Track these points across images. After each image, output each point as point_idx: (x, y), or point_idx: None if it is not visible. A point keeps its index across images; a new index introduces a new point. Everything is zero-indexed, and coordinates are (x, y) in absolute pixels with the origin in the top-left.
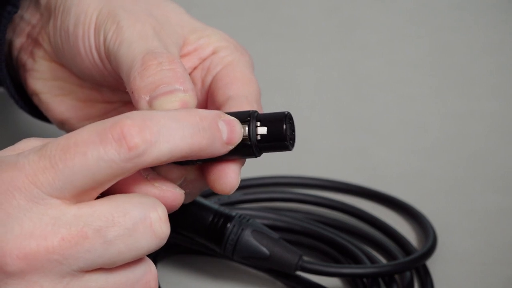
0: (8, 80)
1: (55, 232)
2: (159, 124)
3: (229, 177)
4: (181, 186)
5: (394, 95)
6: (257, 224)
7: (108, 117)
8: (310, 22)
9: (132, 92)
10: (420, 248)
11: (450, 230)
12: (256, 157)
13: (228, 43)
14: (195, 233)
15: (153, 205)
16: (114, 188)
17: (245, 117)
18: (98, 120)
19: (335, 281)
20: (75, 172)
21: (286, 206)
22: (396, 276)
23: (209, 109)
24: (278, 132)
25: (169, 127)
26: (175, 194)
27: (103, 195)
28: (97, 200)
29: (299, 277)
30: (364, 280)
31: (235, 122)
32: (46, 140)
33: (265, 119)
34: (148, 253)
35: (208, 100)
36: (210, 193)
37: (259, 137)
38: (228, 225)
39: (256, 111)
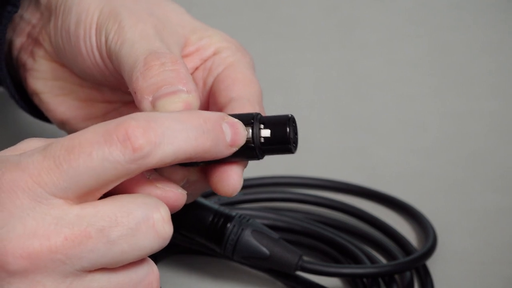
0: (8, 79)
1: (58, 232)
2: (163, 126)
3: (231, 179)
4: (183, 187)
5: (393, 95)
6: (257, 224)
7: (109, 117)
8: (309, 21)
9: (135, 93)
10: (420, 248)
11: (449, 230)
12: (259, 159)
13: (229, 43)
14: (195, 233)
15: (156, 205)
16: (117, 189)
17: (249, 120)
18: (99, 120)
19: (335, 281)
20: (80, 172)
21: (286, 206)
22: (396, 276)
23: (211, 110)
24: (282, 135)
25: (174, 128)
26: (177, 195)
27: (105, 195)
28: (100, 200)
29: (299, 277)
30: (364, 280)
31: (239, 124)
32: (47, 141)
33: (269, 121)
34: (151, 253)
35: (209, 101)
36: (210, 193)
37: (262, 140)
38: (228, 225)
39: (259, 114)
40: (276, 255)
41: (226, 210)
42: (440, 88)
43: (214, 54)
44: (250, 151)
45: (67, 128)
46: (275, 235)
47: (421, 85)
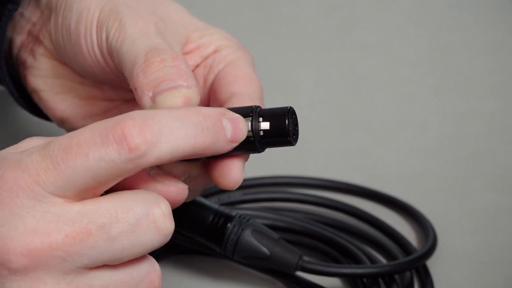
0: (8, 77)
1: (59, 229)
2: (160, 123)
3: (233, 173)
4: (184, 182)
5: (393, 95)
6: (257, 224)
7: (109, 114)
8: (309, 21)
9: (135, 89)
10: (420, 248)
11: (449, 230)
12: (259, 152)
13: (230, 41)
14: (195, 233)
15: (156, 201)
16: (117, 184)
17: (248, 113)
18: (99, 118)
19: (335, 281)
20: (77, 172)
21: (286, 206)
22: (396, 276)
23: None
24: (281, 127)
25: (171, 126)
26: (178, 189)
27: (107, 191)
28: (100, 197)
29: (299, 277)
30: (364, 280)
31: (240, 119)
32: (48, 139)
33: (268, 114)
34: (152, 250)
35: (210, 98)
36: (210, 193)
37: (261, 133)
38: (229, 225)
39: (258, 106)
40: (276, 255)
41: (226, 210)
42: (440, 88)
43: (215, 51)
44: (250, 144)
45: (67, 126)
46: (275, 235)
47: (421, 85)
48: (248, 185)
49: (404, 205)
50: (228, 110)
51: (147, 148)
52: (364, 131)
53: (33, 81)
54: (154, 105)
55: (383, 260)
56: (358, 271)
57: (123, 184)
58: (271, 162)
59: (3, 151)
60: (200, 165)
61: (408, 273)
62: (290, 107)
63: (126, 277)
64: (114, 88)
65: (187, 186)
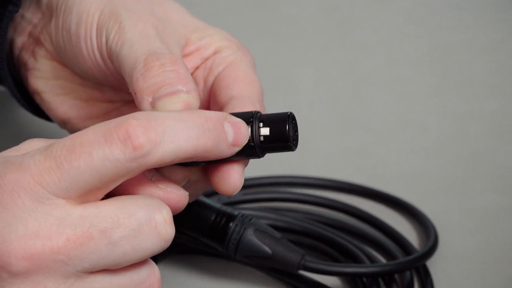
0: (10, 79)
1: (60, 233)
2: (164, 125)
3: (232, 178)
4: (184, 187)
5: (393, 95)
6: (260, 224)
7: (110, 116)
8: (309, 21)
9: (135, 93)
10: (421, 248)
11: (450, 229)
12: (259, 157)
13: (230, 42)
14: (197, 232)
15: (158, 206)
16: (119, 190)
17: (248, 118)
18: (100, 119)
19: (335, 281)
20: (81, 172)
21: (286, 206)
22: (396, 276)
23: (212, 109)
24: (281, 133)
25: (174, 127)
26: (179, 196)
27: (107, 196)
28: (102, 201)
29: (301, 276)
30: (364, 280)
31: (241, 123)
32: (50, 141)
33: (268, 119)
34: (152, 255)
35: (210, 100)
36: (211, 193)
37: (262, 138)
38: (231, 224)
39: (259, 112)
40: (279, 254)
41: (228, 209)
42: (440, 88)
43: (215, 53)
44: (250, 149)
45: (68, 127)
46: (277, 234)
47: (421, 85)
48: (248, 185)
49: (405, 205)
50: (230, 115)
51: (151, 147)
52: (364, 131)
53: (35, 83)
54: (154, 110)
55: (383, 260)
56: (360, 270)
57: (125, 190)
58: (271, 162)
59: (4, 152)
60: (200, 170)
61: (408, 273)
62: (290, 113)
63: (126, 280)
64: (114, 90)
65: (188, 193)
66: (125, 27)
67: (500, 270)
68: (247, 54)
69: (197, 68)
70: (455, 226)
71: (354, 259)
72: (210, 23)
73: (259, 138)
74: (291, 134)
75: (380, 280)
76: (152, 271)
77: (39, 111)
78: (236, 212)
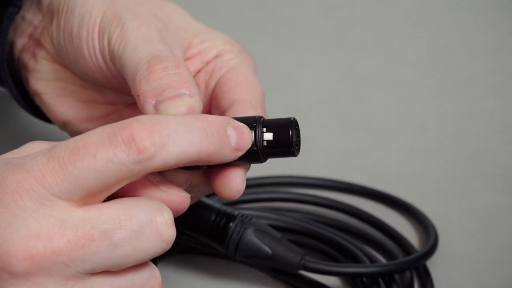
0: (10, 80)
1: (62, 234)
2: (168, 128)
3: (234, 183)
4: (186, 190)
5: (392, 95)
6: (260, 224)
7: (110, 118)
8: (309, 22)
9: (138, 96)
10: (421, 248)
11: (449, 230)
12: (261, 162)
13: (231, 46)
14: (197, 232)
15: (159, 208)
16: (121, 192)
17: (251, 123)
18: (100, 121)
19: (334, 281)
20: (84, 173)
21: (286, 206)
22: (396, 276)
23: (213, 113)
24: (284, 139)
25: (178, 131)
26: (181, 198)
27: (109, 198)
28: (104, 203)
29: (301, 276)
30: (364, 279)
31: (244, 128)
32: (51, 143)
33: (271, 125)
34: (153, 257)
35: (212, 104)
36: (210, 193)
37: (265, 143)
38: (231, 224)
39: (262, 117)
40: (279, 254)
41: (228, 209)
42: (440, 88)
43: (216, 56)
44: (252, 154)
45: (69, 129)
46: (277, 234)
47: (421, 85)
48: (248, 185)
49: (405, 205)
50: (233, 119)
51: (155, 150)
52: (364, 131)
53: (35, 84)
54: (157, 113)
55: (383, 260)
56: (360, 270)
57: (127, 192)
58: (271, 162)
59: (5, 155)
60: (202, 174)
61: (408, 273)
62: (294, 118)
63: (127, 283)
64: (115, 92)
65: (190, 195)
66: (127, 30)
67: (500, 270)
68: (249, 57)
69: (198, 71)
70: (455, 226)
71: (354, 259)
72: (209, 24)
73: (262, 143)
74: (294, 139)
75: (380, 280)
76: (153, 273)
77: (39, 112)
78: (236, 212)
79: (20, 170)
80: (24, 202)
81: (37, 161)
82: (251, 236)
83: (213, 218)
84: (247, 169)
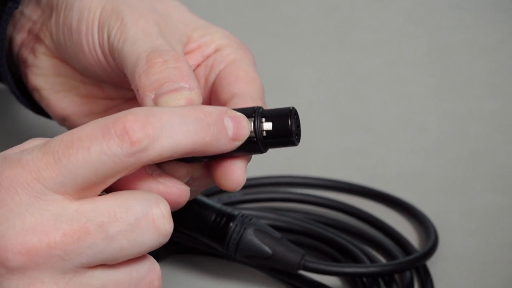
0: (9, 76)
1: (57, 228)
2: (162, 120)
3: (235, 174)
4: (187, 183)
5: (392, 95)
6: (260, 224)
7: (109, 113)
8: (309, 22)
9: (137, 90)
10: (421, 248)
11: (449, 230)
12: (261, 153)
13: (231, 41)
14: (197, 232)
15: (156, 201)
16: (119, 185)
17: (250, 113)
18: (100, 116)
19: (334, 281)
20: (78, 167)
21: (286, 206)
22: (396, 276)
23: None
24: (284, 128)
25: (172, 122)
26: (180, 190)
27: (108, 191)
28: (100, 196)
29: (301, 276)
30: (364, 279)
31: (242, 118)
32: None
33: (270, 114)
34: (150, 250)
35: (211, 98)
36: (210, 193)
37: (264, 133)
38: (231, 224)
39: (261, 107)
40: (279, 254)
41: (228, 209)
42: (440, 89)
43: (216, 51)
44: (252, 145)
45: (68, 124)
46: (277, 234)
47: (421, 85)
48: (248, 185)
49: (405, 205)
50: (230, 109)
51: (149, 142)
52: (364, 131)
53: (34, 80)
54: (156, 106)
55: (383, 260)
56: (360, 270)
57: (124, 185)
58: (271, 162)
59: (6, 151)
60: (203, 166)
61: (408, 273)
62: (293, 107)
63: (126, 276)
64: (114, 87)
65: (189, 188)
66: (127, 24)
67: (500, 270)
68: (248, 52)
69: (198, 66)
70: (455, 226)
71: (354, 259)
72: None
73: (262, 133)
74: (293, 128)
75: (380, 280)
76: (152, 267)
77: (38, 108)
78: (236, 212)
79: (16, 165)
80: (19, 197)
81: (32, 155)
82: (251, 236)
83: (213, 218)
84: (248, 160)
